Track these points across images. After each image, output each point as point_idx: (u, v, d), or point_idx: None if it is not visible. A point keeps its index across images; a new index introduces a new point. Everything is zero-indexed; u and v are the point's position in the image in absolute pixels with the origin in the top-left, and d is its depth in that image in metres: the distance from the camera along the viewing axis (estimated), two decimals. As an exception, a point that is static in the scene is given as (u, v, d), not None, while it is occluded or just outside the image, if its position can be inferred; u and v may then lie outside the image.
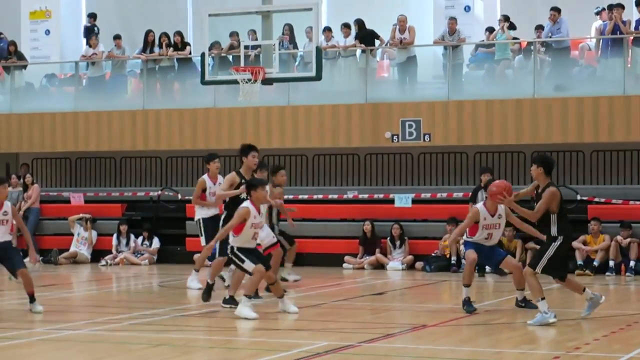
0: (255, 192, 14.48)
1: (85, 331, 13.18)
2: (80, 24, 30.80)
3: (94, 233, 25.14)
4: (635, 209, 22.07)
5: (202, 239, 17.58)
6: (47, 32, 30.13)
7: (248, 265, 14.30)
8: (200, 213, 17.86)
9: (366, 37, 24.77)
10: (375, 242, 23.12)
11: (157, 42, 26.53)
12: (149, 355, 11.23)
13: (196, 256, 19.35)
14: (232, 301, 14.99)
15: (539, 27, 24.30)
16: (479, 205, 15.11)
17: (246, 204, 14.56)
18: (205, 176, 18.06)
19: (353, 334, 13.02)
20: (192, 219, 24.00)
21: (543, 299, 13.42)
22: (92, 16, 28.81)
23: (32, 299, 15.15)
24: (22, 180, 26.06)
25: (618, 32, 22.93)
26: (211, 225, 17.23)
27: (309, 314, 14.73)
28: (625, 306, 16.28)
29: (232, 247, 14.35)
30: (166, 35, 26.44)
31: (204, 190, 17.90)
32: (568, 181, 23.29)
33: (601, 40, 23.65)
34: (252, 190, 14.54)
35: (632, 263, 21.10)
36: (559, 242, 13.52)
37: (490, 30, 24.83)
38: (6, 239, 15.26)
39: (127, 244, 24.43)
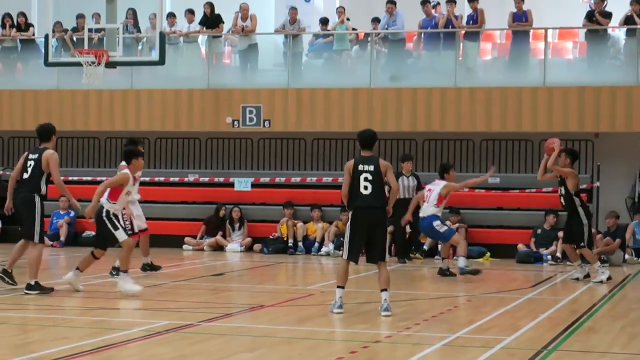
0: (135, 161, 14.83)
1: None
2: None
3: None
4: (465, 195, 22.41)
5: None
6: None
7: (120, 234, 14.29)
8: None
9: (212, 21, 24.66)
10: (221, 225, 23.11)
11: (0, 22, 25.96)
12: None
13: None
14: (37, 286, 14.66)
15: (376, 20, 24.56)
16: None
17: (126, 170, 14.69)
18: None
19: (192, 313, 12.98)
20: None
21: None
22: None
23: None
24: None
25: (450, 26, 23.32)
26: None
27: (149, 294, 14.63)
28: (454, 287, 16.59)
29: (107, 211, 14.26)
30: (9, 15, 25.92)
31: None
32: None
33: (423, 34, 24.00)
34: (132, 159, 14.81)
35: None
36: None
37: (324, 21, 24.91)
38: None
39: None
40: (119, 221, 14.50)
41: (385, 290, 12.77)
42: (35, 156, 14.59)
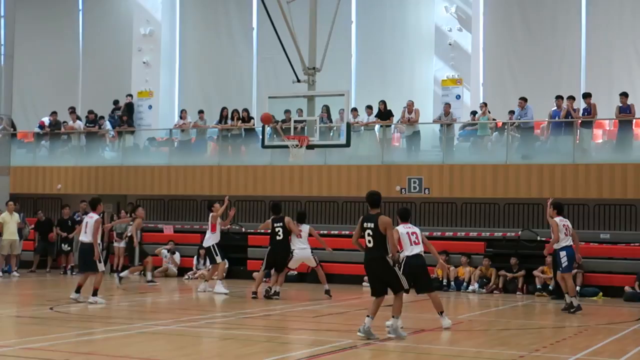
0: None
1: (172, 327, 13.20)
2: (174, 101, 31.09)
3: (178, 255, 25.17)
4: (582, 248, 21.81)
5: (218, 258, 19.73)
6: (150, 107, 30.40)
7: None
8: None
9: (385, 114, 24.84)
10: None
11: (229, 115, 26.70)
12: (219, 346, 11.24)
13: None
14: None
15: (511, 112, 24.29)
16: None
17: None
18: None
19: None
20: (253, 246, 24.22)
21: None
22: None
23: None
24: (129, 215, 26.18)
25: (569, 117, 22.89)
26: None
27: (337, 319, 14.66)
28: (573, 319, 16.13)
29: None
30: (236, 111, 26.62)
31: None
32: (532, 226, 23.16)
33: (549, 123, 23.62)
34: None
35: (577, 288, 20.90)
36: None
37: (474, 113, 24.80)
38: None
39: (205, 263, 24.44)
40: None
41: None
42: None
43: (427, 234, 23.32)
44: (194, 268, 24.59)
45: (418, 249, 14.08)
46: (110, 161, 27.74)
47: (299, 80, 21.72)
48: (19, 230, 24.49)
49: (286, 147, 20.91)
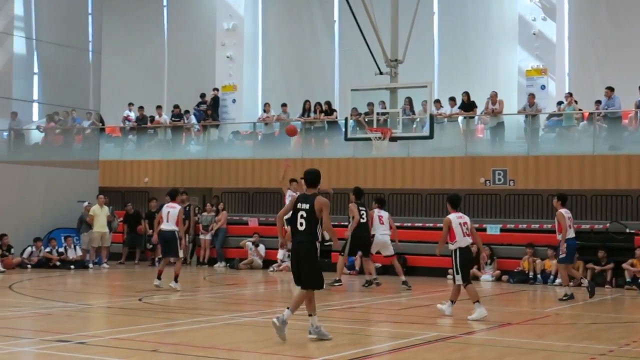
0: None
1: (258, 318, 13.28)
2: (258, 95, 31.30)
3: (263, 247, 25.34)
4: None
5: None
6: (234, 100, 30.68)
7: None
8: None
9: (468, 106, 24.61)
10: (475, 260, 22.77)
11: (312, 108, 26.78)
12: (305, 338, 11.26)
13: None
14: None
15: (598, 102, 23.81)
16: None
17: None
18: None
19: (454, 327, 12.86)
20: (341, 238, 24.26)
21: None
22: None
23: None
24: (214, 208, 26.47)
25: (658, 106, 22.35)
26: None
27: (421, 312, 14.60)
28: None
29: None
30: (319, 104, 26.70)
31: None
32: (620, 218, 22.68)
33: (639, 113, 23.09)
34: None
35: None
36: None
37: (559, 103, 24.41)
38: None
39: (289, 256, 24.52)
40: None
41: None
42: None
43: (512, 226, 23.14)
44: (278, 260, 24.72)
45: (470, 241, 13.89)
46: (196, 154, 28.09)
47: (381, 73, 21.66)
48: (109, 223, 24.99)
49: (369, 139, 20.91)
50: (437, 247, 14.31)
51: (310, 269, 10.91)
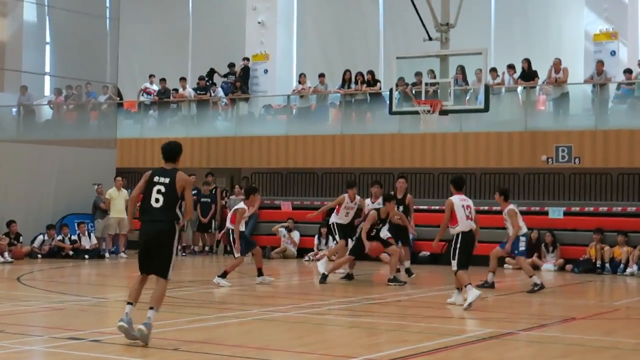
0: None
1: (292, 313, 13.29)
2: (292, 65, 31.23)
3: (297, 234, 25.36)
4: None
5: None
6: (266, 71, 30.64)
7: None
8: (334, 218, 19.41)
9: (528, 74, 24.38)
10: (536, 247, 22.62)
11: (353, 79, 26.70)
12: (343, 335, 11.25)
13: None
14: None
15: (677, 68, 23.49)
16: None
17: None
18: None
19: (511, 323, 12.78)
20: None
21: None
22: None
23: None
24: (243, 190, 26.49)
25: None
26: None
27: (475, 305, 14.50)
28: None
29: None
30: (361, 74, 26.62)
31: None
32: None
33: None
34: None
35: None
36: None
37: (629, 71, 24.09)
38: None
39: (327, 243, 24.57)
40: None
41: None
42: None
43: (578, 209, 22.94)
44: (314, 248, 24.74)
45: (472, 225, 14.27)
46: (223, 131, 28.16)
47: (430, 38, 21.52)
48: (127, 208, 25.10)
49: (417, 112, 20.84)
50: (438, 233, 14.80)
51: (168, 255, 10.41)
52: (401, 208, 19.03)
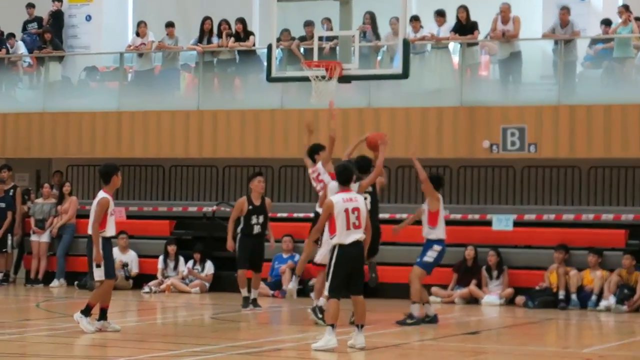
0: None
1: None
2: (127, 8, 31.05)
3: (134, 255, 25.10)
4: None
5: None
6: (88, 17, 30.40)
7: None
8: None
9: (464, 26, 24.60)
10: (475, 272, 22.88)
11: (215, 31, 26.61)
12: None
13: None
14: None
15: (668, 21, 24.05)
16: None
17: None
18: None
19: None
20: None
21: None
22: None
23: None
24: (55, 191, 26.16)
25: None
26: None
27: (389, 356, 14.60)
28: None
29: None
30: (226, 22, 26.52)
31: None
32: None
33: None
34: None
35: None
36: None
37: (607, 22, 24.54)
38: None
39: (175, 268, 24.43)
40: None
41: None
42: None
43: (533, 217, 23.33)
44: (159, 275, 24.60)
45: (358, 235, 14.39)
46: (25, 105, 27.87)
47: (325, -28, 21.64)
48: None
49: (307, 79, 20.83)
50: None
51: None
52: (261, 218, 19.93)
